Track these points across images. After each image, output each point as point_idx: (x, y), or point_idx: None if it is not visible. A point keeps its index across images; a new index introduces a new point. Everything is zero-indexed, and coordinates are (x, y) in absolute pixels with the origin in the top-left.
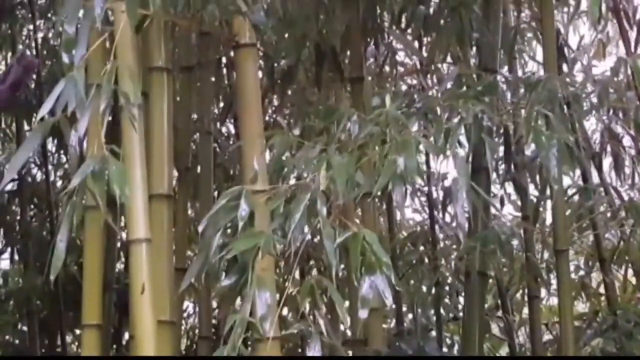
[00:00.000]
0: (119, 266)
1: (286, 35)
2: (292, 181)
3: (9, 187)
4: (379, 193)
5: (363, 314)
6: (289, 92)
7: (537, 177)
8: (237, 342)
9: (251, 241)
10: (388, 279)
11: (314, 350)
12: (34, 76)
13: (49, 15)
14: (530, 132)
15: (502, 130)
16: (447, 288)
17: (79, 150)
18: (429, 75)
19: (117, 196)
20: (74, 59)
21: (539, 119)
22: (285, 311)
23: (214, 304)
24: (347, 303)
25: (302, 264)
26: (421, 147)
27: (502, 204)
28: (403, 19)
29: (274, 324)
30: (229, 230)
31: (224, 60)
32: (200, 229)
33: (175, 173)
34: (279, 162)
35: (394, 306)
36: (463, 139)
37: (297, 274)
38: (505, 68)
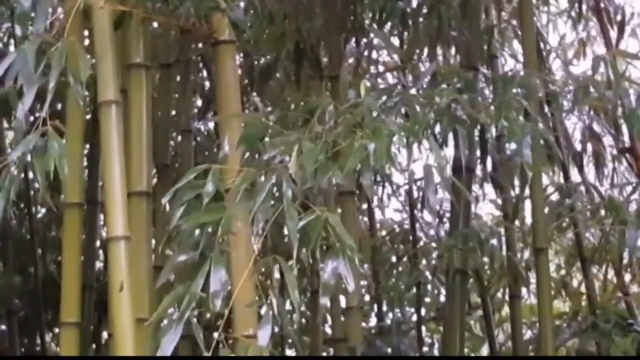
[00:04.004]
0: (99, 264)
1: (266, 33)
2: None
3: None
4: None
5: (324, 300)
6: (268, 91)
7: (516, 176)
8: (185, 313)
9: (212, 215)
10: (352, 264)
11: (265, 330)
12: None
13: None
14: (502, 119)
15: (479, 128)
16: (428, 287)
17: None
18: (409, 73)
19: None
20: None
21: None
22: None
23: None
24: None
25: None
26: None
27: (476, 202)
28: (383, 17)
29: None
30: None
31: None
32: (163, 201)
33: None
34: (247, 138)
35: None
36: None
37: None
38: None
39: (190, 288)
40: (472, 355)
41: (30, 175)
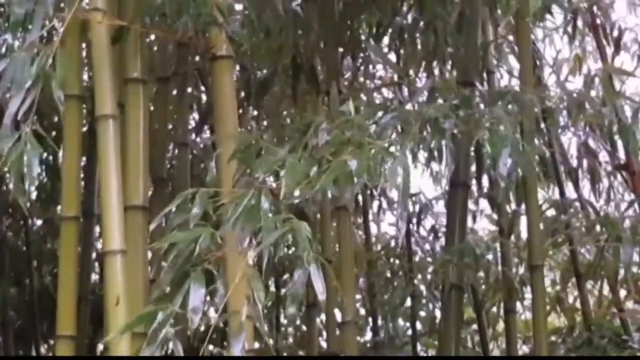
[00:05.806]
0: (94, 277)
1: (263, 47)
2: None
3: None
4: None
5: (290, 310)
6: (265, 104)
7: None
8: (160, 334)
9: (191, 234)
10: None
11: (240, 340)
12: None
13: None
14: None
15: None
16: (423, 301)
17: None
18: (405, 89)
19: None
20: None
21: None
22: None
23: None
24: (323, 316)
25: (276, 276)
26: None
27: (474, 219)
28: (379, 32)
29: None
30: None
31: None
32: (151, 227)
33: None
34: (239, 157)
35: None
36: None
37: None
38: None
39: (167, 305)
40: None
41: (26, 187)
